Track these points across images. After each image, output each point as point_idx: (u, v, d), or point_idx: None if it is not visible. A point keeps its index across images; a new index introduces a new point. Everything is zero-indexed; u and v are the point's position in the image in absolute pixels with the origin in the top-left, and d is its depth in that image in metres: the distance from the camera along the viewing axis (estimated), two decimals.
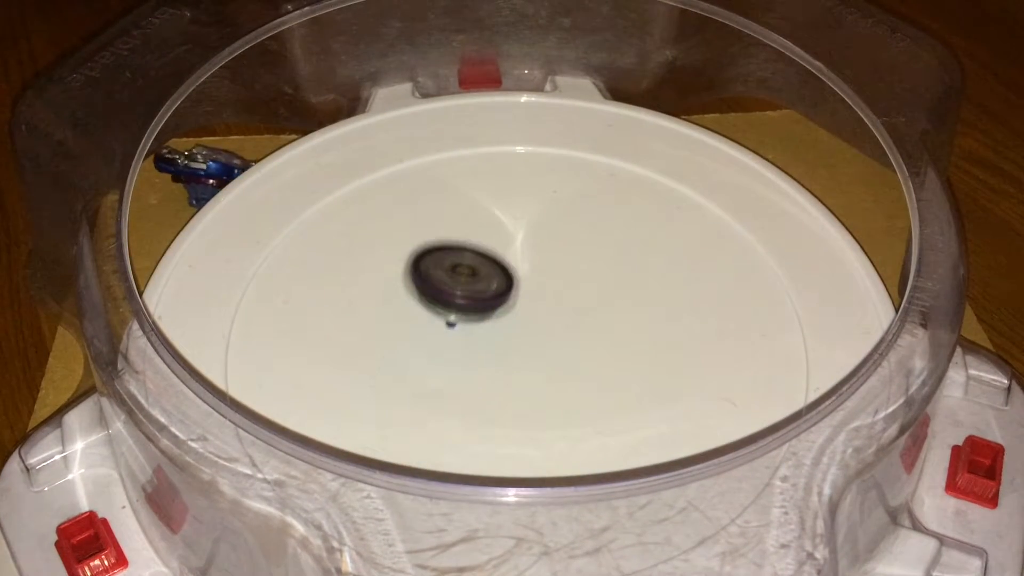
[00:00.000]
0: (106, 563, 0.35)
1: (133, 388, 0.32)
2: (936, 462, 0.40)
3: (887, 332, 0.34)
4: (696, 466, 0.29)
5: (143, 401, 0.32)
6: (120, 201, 0.35)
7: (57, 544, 0.36)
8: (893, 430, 0.33)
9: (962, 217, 0.48)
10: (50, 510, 0.37)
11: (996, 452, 0.39)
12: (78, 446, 0.38)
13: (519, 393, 0.39)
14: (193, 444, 0.31)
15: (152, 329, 0.33)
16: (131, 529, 0.37)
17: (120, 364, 0.33)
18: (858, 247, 0.44)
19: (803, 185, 0.46)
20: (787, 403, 0.37)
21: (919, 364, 0.34)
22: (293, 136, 0.50)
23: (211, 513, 0.32)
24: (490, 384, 0.39)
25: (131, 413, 0.32)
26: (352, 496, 0.29)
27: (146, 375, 0.32)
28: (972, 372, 0.42)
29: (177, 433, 0.31)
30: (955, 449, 0.40)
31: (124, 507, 0.38)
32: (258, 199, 0.46)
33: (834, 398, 0.32)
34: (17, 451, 0.38)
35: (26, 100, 0.40)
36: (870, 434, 0.32)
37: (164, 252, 0.43)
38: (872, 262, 0.43)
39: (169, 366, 0.33)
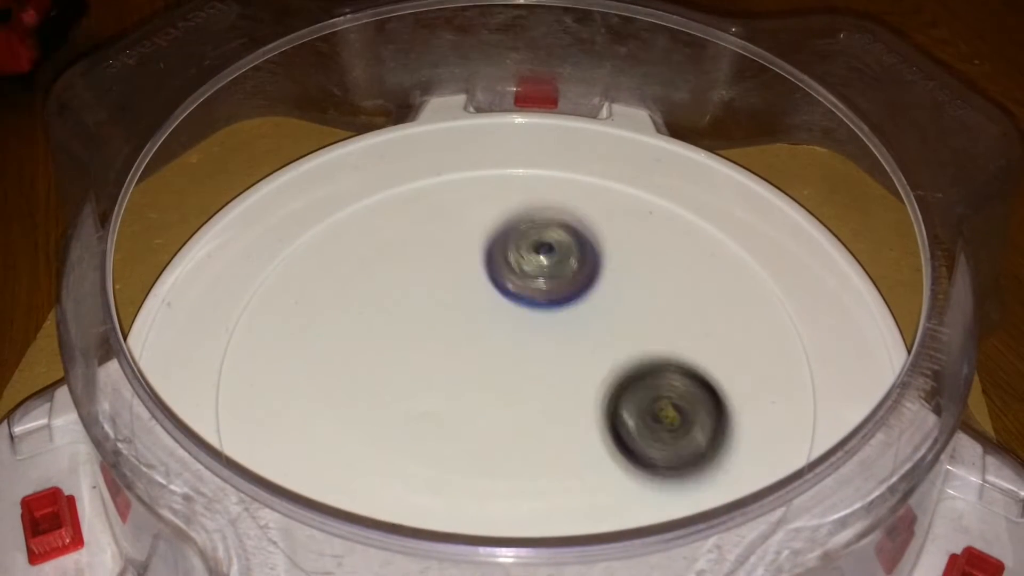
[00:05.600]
0: (61, 541, 0.36)
1: (81, 387, 0.33)
2: (929, 567, 0.37)
3: (854, 435, 0.32)
4: (601, 546, 0.28)
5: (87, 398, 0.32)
6: (112, 216, 0.36)
7: (21, 515, 0.37)
8: (847, 535, 0.30)
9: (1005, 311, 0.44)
10: (26, 480, 0.38)
11: (995, 570, 0.36)
12: (63, 420, 0.39)
13: (495, 434, 0.38)
14: (119, 444, 0.31)
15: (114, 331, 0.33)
16: (96, 510, 0.38)
17: (80, 363, 0.33)
18: (889, 316, 0.41)
19: (833, 230, 0.45)
20: (782, 473, 0.34)
21: (891, 465, 0.31)
22: (346, 134, 0.50)
23: (140, 512, 0.32)
24: (466, 423, 0.38)
25: (78, 406, 0.33)
26: (250, 524, 0.29)
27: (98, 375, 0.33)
28: (989, 478, 0.38)
29: (108, 431, 0.31)
30: (952, 558, 0.37)
31: (95, 487, 0.38)
32: (285, 201, 0.46)
33: (774, 496, 0.30)
34: (6, 418, 0.40)
35: (61, 82, 0.41)
36: (814, 537, 0.30)
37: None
38: (895, 318, 0.41)
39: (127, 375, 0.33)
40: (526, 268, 0.41)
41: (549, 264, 0.41)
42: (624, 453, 0.35)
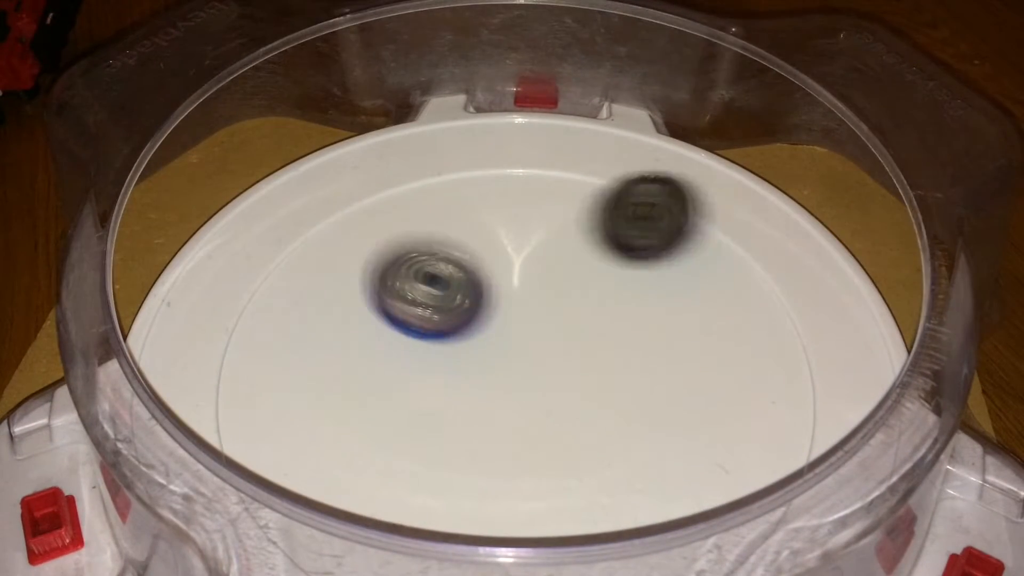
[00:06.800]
0: (61, 541, 0.36)
1: (81, 387, 0.33)
2: (929, 567, 0.37)
3: (854, 435, 0.31)
4: (601, 546, 0.28)
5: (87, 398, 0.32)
6: (112, 216, 0.36)
7: (21, 515, 0.37)
8: (847, 535, 0.30)
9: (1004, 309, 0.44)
10: (25, 480, 0.38)
11: (995, 569, 0.36)
12: (63, 420, 0.39)
13: (495, 434, 0.38)
14: (119, 444, 0.31)
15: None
16: (96, 510, 0.38)
17: (80, 363, 0.33)
18: (889, 316, 0.41)
19: (833, 230, 0.45)
20: (782, 473, 0.35)
21: (891, 465, 0.31)
22: (346, 134, 0.50)
23: (140, 512, 0.32)
24: (465, 424, 0.39)
25: (78, 406, 0.33)
26: (250, 523, 0.29)
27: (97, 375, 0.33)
28: (989, 478, 0.38)
29: (108, 431, 0.31)
30: (952, 558, 0.37)
31: (95, 487, 0.38)
32: (285, 201, 0.46)
33: (774, 496, 0.30)
34: (6, 418, 0.40)
35: (61, 82, 0.41)
36: (814, 537, 0.30)
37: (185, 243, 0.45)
38: (895, 318, 0.41)
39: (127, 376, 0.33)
40: (412, 296, 0.40)
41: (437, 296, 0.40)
42: (629, 254, 0.43)
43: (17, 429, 0.39)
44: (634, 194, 0.43)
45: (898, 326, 0.40)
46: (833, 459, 0.31)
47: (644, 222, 0.42)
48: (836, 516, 0.30)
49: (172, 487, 0.30)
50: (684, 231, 0.43)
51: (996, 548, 0.37)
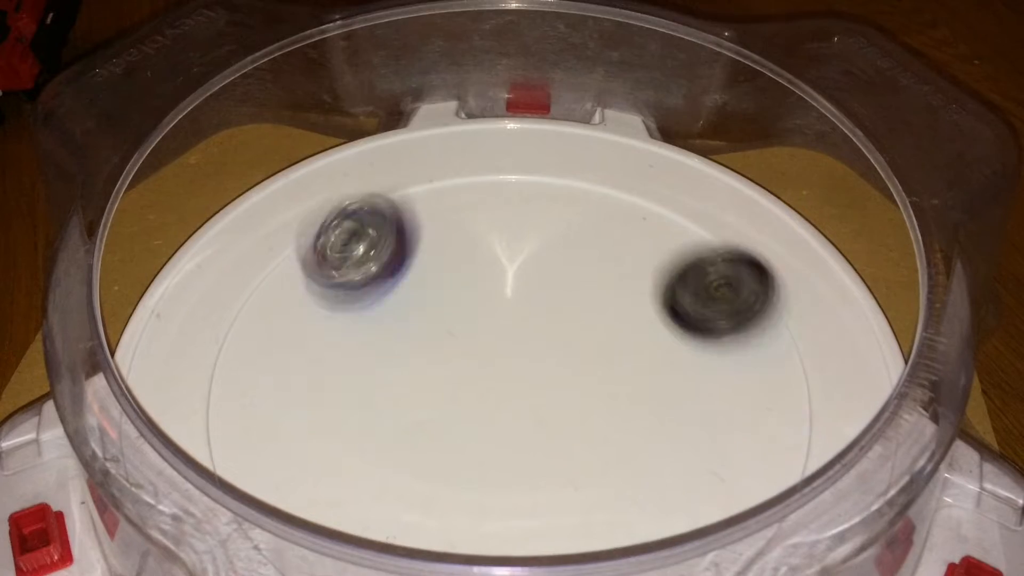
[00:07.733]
0: (50, 559, 0.36)
1: (68, 401, 0.32)
2: None
3: (851, 448, 0.31)
4: (597, 564, 0.27)
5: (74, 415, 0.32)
6: (99, 228, 0.35)
7: (9, 532, 0.37)
8: (845, 550, 0.30)
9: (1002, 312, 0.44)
10: (13, 496, 0.38)
11: None
12: (51, 434, 0.39)
13: (489, 447, 0.38)
14: (107, 463, 0.30)
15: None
16: (85, 526, 0.37)
17: (67, 378, 0.33)
18: (887, 325, 0.41)
19: (833, 231, 0.44)
20: (778, 482, 0.34)
21: (889, 478, 0.31)
22: (337, 141, 0.50)
23: (129, 531, 0.32)
24: (459, 436, 0.38)
25: (64, 424, 0.32)
26: (240, 544, 0.29)
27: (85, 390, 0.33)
28: (987, 486, 0.38)
29: (96, 450, 0.31)
30: (951, 567, 0.36)
31: (83, 503, 0.38)
32: (276, 210, 0.46)
33: (771, 511, 0.29)
34: None
35: (48, 91, 0.41)
36: (812, 552, 0.29)
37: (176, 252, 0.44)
38: (891, 325, 0.41)
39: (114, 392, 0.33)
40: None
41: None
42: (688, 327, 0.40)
43: (4, 444, 0.38)
44: (709, 271, 0.40)
45: (895, 336, 0.40)
46: (830, 473, 0.30)
47: (717, 303, 0.40)
48: (834, 531, 0.30)
49: (161, 507, 0.30)
50: (757, 314, 0.40)
51: (993, 556, 0.37)
